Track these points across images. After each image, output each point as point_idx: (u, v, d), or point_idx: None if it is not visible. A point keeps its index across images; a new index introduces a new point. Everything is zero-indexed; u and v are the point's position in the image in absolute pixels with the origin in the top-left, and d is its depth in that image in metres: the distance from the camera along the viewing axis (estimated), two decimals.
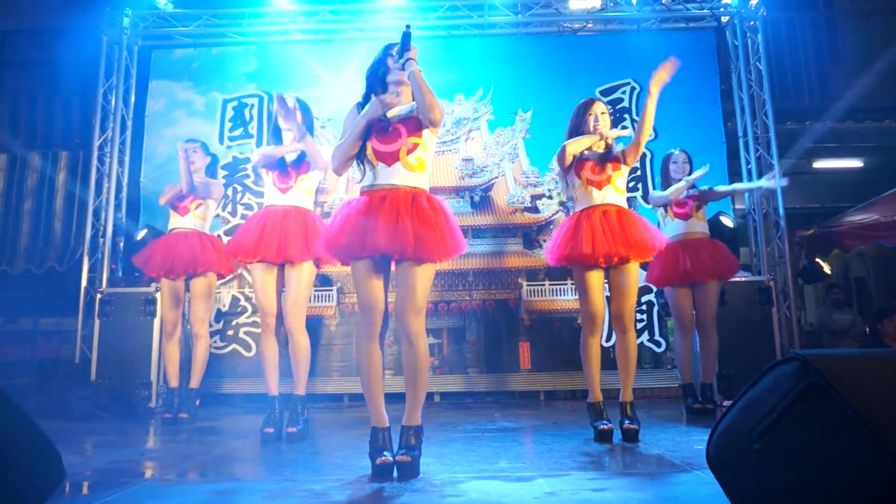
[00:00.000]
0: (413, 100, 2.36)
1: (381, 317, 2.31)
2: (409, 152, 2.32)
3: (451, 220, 2.35)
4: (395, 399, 2.63)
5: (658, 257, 3.80)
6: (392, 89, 2.41)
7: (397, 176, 2.31)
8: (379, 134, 2.34)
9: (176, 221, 4.13)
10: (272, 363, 3.22)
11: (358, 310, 2.37)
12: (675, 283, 3.91)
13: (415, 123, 2.35)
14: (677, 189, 3.91)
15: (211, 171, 4.31)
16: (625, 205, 3.11)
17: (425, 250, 2.22)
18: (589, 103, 3.21)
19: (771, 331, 4.59)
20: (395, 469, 2.20)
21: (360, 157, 2.39)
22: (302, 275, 3.17)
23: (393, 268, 2.38)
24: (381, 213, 2.23)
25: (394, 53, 2.41)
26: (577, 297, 5.04)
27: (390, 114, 2.36)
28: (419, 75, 2.28)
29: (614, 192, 3.07)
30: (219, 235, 4.86)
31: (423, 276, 2.28)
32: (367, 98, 2.46)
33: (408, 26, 2.34)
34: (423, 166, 2.36)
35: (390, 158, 2.32)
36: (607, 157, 3.08)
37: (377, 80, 2.43)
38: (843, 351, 1.43)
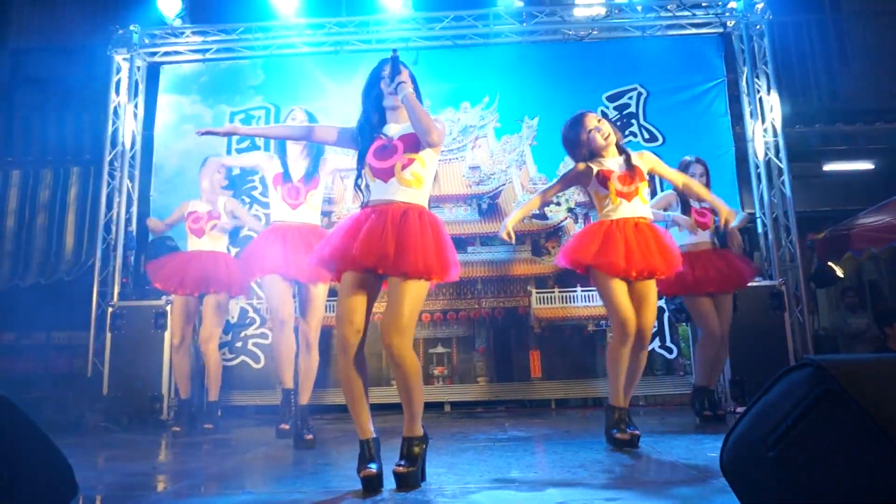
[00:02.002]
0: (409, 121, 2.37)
1: (356, 333, 2.21)
2: (403, 167, 2.28)
3: (443, 238, 2.28)
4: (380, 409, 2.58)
5: None
6: (389, 115, 2.41)
7: (392, 192, 2.28)
8: (377, 152, 2.34)
9: (193, 244, 4.19)
10: (288, 356, 3.22)
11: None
12: (689, 292, 3.82)
13: (413, 140, 2.31)
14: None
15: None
16: (651, 217, 3.10)
17: (406, 264, 2.15)
18: (580, 118, 3.11)
19: (784, 336, 4.54)
20: (381, 480, 2.15)
21: (358, 181, 2.40)
22: (320, 290, 3.22)
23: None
24: (366, 225, 2.22)
25: (385, 75, 2.36)
26: (586, 304, 5.08)
27: (391, 132, 2.37)
28: (413, 99, 2.26)
29: (642, 203, 3.04)
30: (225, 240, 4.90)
31: (411, 294, 2.19)
32: (362, 122, 2.44)
33: (394, 51, 2.34)
34: (420, 182, 2.31)
35: (385, 175, 2.30)
36: (631, 167, 3.03)
37: (371, 104, 2.43)
38: (857, 356, 1.41)
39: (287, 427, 3.13)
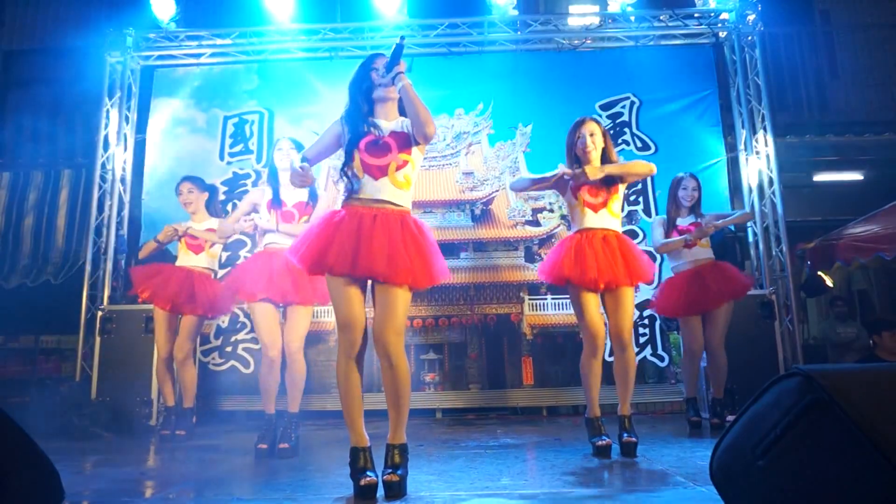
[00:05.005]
0: (400, 115, 2.37)
1: (362, 335, 2.26)
2: (398, 168, 2.27)
3: (435, 245, 2.31)
4: (379, 416, 2.58)
5: (666, 288, 3.94)
6: (378, 108, 2.37)
7: (383, 191, 2.26)
8: (369, 146, 2.29)
9: (188, 259, 4.09)
10: (272, 391, 3.25)
11: (337, 328, 2.29)
12: (683, 314, 3.92)
13: (405, 140, 2.31)
14: (673, 244, 3.90)
15: (210, 203, 4.27)
16: (620, 229, 3.12)
17: (410, 276, 2.19)
18: (580, 123, 3.16)
19: (774, 345, 4.57)
20: (378, 489, 2.15)
21: (345, 168, 2.32)
22: (306, 311, 3.24)
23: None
24: (373, 235, 2.17)
25: (377, 67, 2.33)
26: None
27: (383, 125, 2.34)
28: (411, 90, 2.22)
29: (610, 216, 3.06)
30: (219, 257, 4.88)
31: (405, 296, 2.24)
32: (351, 112, 2.37)
33: (402, 37, 2.27)
34: (409, 184, 2.32)
35: (378, 172, 2.27)
36: (605, 179, 3.04)
37: (362, 95, 2.36)
38: (846, 366, 1.42)
39: (265, 446, 3.13)
